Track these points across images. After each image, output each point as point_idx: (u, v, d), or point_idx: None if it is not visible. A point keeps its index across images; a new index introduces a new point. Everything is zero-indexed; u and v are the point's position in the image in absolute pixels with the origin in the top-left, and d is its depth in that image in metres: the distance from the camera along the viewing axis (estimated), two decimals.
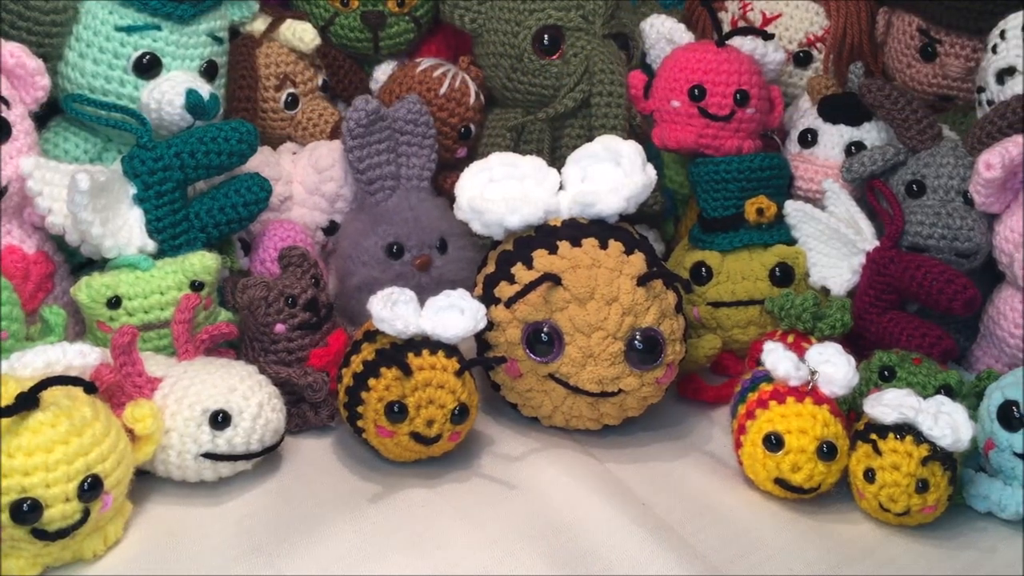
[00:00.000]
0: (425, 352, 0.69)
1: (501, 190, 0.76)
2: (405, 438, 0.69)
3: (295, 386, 0.73)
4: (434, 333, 0.69)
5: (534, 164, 0.77)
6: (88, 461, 0.60)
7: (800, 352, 0.77)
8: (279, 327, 0.74)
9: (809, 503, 0.70)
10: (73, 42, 0.79)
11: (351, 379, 0.70)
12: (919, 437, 0.66)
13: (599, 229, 0.73)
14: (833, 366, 0.70)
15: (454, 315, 0.70)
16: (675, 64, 0.85)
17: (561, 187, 0.76)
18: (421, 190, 0.87)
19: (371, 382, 0.68)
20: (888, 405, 0.67)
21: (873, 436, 0.67)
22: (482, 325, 0.70)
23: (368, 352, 0.70)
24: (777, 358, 0.71)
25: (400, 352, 0.69)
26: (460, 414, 0.69)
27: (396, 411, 0.68)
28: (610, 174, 0.75)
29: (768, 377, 0.72)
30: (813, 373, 0.71)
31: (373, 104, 0.84)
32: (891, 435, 0.67)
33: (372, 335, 0.71)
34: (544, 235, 0.74)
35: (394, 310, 0.69)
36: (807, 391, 0.70)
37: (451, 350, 0.70)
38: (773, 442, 0.69)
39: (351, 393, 0.70)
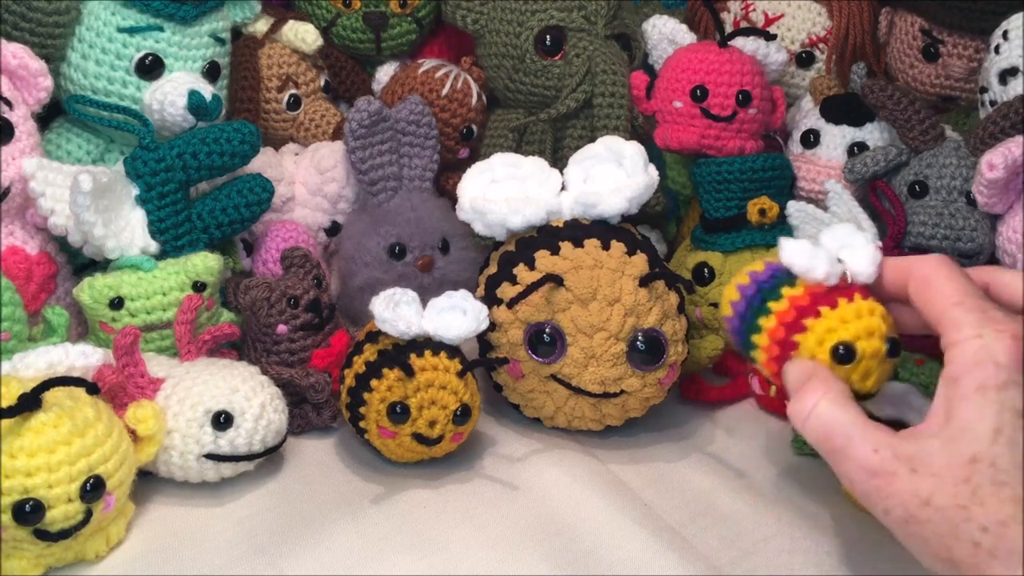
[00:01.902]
0: (427, 353, 0.69)
1: (503, 191, 0.76)
2: (407, 439, 0.69)
3: (297, 387, 0.73)
4: (436, 334, 0.69)
5: (536, 165, 0.77)
6: (90, 462, 0.60)
7: None
8: (281, 328, 0.74)
9: (810, 504, 0.70)
10: (75, 43, 0.79)
11: (353, 380, 0.70)
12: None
13: (601, 230, 0.73)
14: (853, 250, 0.61)
15: (456, 316, 0.70)
16: (677, 65, 0.85)
17: (563, 188, 0.76)
18: (423, 191, 0.87)
19: (373, 383, 0.68)
20: (878, 402, 0.63)
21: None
22: (484, 326, 0.71)
23: (370, 353, 0.70)
24: (804, 254, 0.60)
25: (402, 353, 0.69)
26: (462, 415, 0.69)
27: (398, 412, 0.68)
28: (612, 175, 0.75)
29: (783, 280, 0.61)
30: (840, 262, 0.61)
31: (375, 105, 0.84)
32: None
33: (374, 336, 0.71)
34: (546, 236, 0.74)
35: (396, 311, 0.69)
36: (849, 286, 0.60)
37: (453, 351, 0.70)
38: (843, 353, 0.58)
39: (353, 394, 0.70)
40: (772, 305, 0.61)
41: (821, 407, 0.56)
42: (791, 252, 0.60)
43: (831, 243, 0.62)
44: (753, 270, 0.63)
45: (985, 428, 0.52)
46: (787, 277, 0.61)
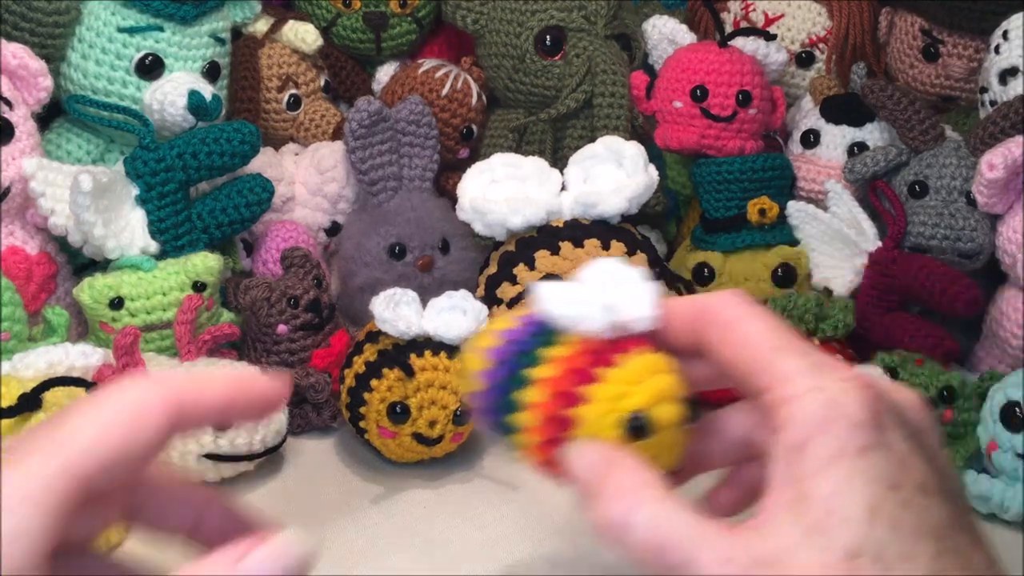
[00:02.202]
0: (427, 353, 0.69)
1: (503, 191, 0.76)
2: (407, 439, 0.69)
3: (297, 387, 0.73)
4: (436, 334, 0.69)
5: (536, 165, 0.77)
6: None
7: None
8: (281, 328, 0.74)
9: None
10: (76, 43, 0.79)
11: (353, 380, 0.70)
12: None
13: (601, 230, 0.73)
14: (626, 290, 0.46)
15: (456, 316, 0.70)
16: (677, 65, 0.85)
17: (563, 188, 0.76)
18: (423, 191, 0.87)
19: (373, 383, 0.68)
20: None
21: None
22: (484, 326, 0.70)
23: (370, 353, 0.70)
24: (568, 299, 0.45)
25: (402, 353, 0.69)
26: (462, 415, 0.69)
27: (398, 412, 0.68)
28: (612, 175, 0.75)
29: (542, 339, 0.45)
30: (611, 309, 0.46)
31: (375, 105, 0.84)
32: None
33: (374, 336, 0.71)
34: (546, 236, 0.74)
35: (396, 311, 0.69)
36: (627, 338, 0.45)
37: (453, 351, 0.70)
38: (638, 427, 0.43)
39: (353, 394, 0.70)
40: (532, 373, 0.45)
41: (643, 514, 0.40)
42: (551, 298, 0.45)
43: (596, 282, 0.46)
44: (502, 327, 0.47)
45: (855, 509, 0.39)
46: (546, 333, 0.46)
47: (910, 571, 0.39)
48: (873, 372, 0.71)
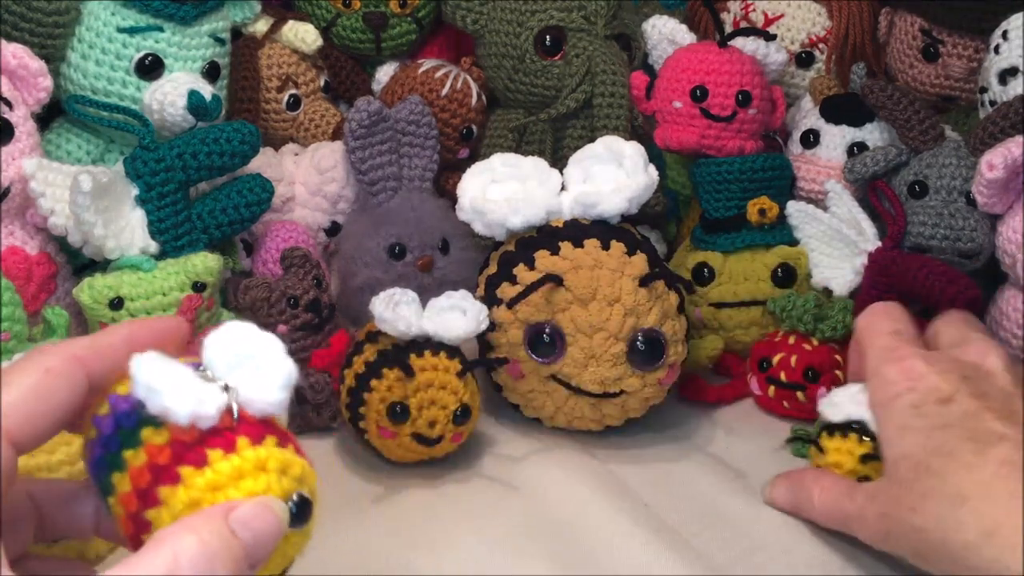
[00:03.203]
0: (427, 353, 0.69)
1: (503, 191, 0.76)
2: (407, 439, 0.69)
3: (297, 387, 0.73)
4: (436, 334, 0.69)
5: (536, 165, 0.77)
6: None
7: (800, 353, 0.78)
8: (281, 328, 0.74)
9: None
10: (75, 43, 0.79)
11: (353, 380, 0.70)
12: (862, 434, 0.66)
13: (601, 230, 0.73)
14: (256, 360, 0.42)
15: (456, 316, 0.70)
16: (677, 65, 0.85)
17: (563, 188, 0.76)
18: (423, 191, 0.87)
19: (373, 383, 0.68)
20: (837, 404, 0.67)
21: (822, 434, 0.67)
22: (484, 326, 0.71)
23: (370, 353, 0.70)
24: (160, 375, 0.40)
25: (402, 353, 0.69)
26: (462, 415, 0.69)
27: (398, 412, 0.68)
28: (612, 175, 0.75)
29: (149, 417, 0.40)
30: (226, 389, 0.42)
31: (375, 105, 0.84)
32: (837, 433, 0.67)
33: (374, 336, 0.71)
34: (546, 236, 0.74)
35: (396, 311, 0.69)
36: (235, 427, 0.41)
37: (453, 351, 0.70)
38: None
39: (353, 394, 0.70)
40: (128, 456, 0.41)
41: None
42: (144, 371, 0.39)
43: (217, 358, 0.42)
44: (117, 392, 0.42)
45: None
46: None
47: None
48: None
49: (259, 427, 0.42)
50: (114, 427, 0.42)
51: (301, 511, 0.41)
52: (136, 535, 0.41)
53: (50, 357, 0.43)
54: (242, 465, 0.40)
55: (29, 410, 0.42)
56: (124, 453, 0.41)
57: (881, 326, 0.66)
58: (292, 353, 0.73)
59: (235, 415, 0.41)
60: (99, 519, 0.48)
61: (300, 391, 0.73)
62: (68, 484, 0.48)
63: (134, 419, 0.41)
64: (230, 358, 0.42)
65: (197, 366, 0.42)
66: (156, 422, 0.41)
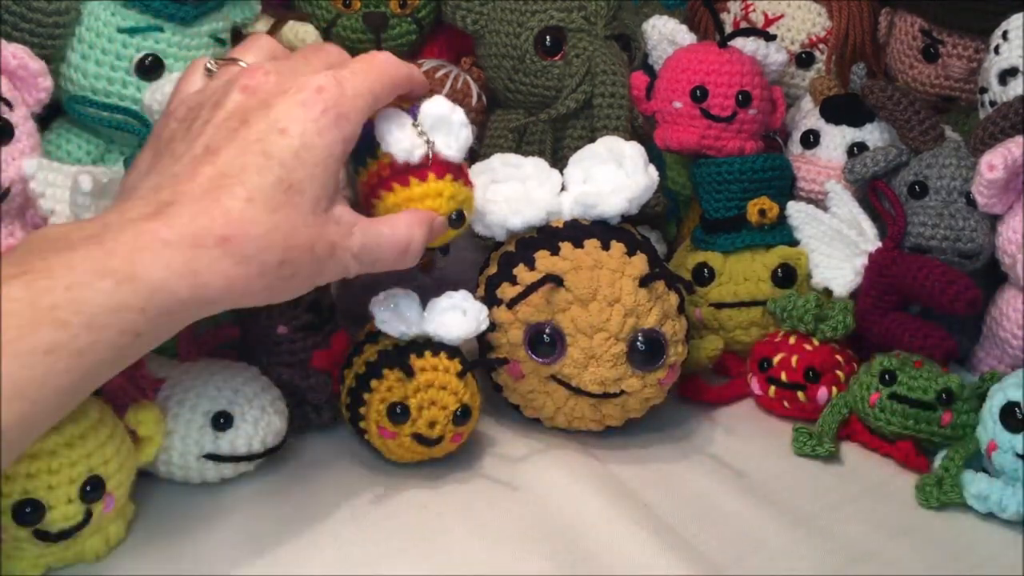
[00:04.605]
0: (427, 354, 0.69)
1: (503, 191, 0.76)
2: (407, 439, 0.69)
3: (296, 387, 0.73)
4: (436, 334, 0.69)
5: (537, 165, 0.77)
6: (91, 463, 0.60)
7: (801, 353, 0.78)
8: (281, 328, 0.74)
9: (811, 504, 0.70)
10: (75, 43, 0.79)
11: (353, 380, 0.70)
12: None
13: (601, 230, 0.73)
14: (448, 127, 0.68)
15: (456, 316, 0.70)
16: (677, 65, 0.85)
17: (563, 188, 0.76)
18: None
19: (373, 383, 0.68)
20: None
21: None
22: (484, 326, 0.71)
23: (370, 353, 0.70)
24: (393, 122, 0.66)
25: (402, 354, 0.69)
26: (462, 415, 0.69)
27: (398, 412, 0.68)
28: (612, 175, 0.75)
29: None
30: (428, 142, 0.67)
31: None
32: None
33: (374, 336, 0.71)
34: (546, 236, 0.74)
35: (396, 311, 0.69)
36: (427, 166, 0.67)
37: (453, 351, 0.70)
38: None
39: (353, 394, 0.70)
40: (369, 162, 0.67)
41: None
42: (383, 121, 0.65)
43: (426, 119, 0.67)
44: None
45: None
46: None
47: None
48: None
49: (443, 167, 0.67)
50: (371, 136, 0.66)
51: (458, 219, 0.68)
52: (366, 209, 0.67)
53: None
54: (427, 189, 0.66)
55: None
56: (367, 159, 0.67)
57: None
58: (292, 354, 0.75)
59: (430, 158, 0.66)
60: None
61: (299, 391, 0.74)
62: None
63: (375, 145, 0.66)
64: (433, 120, 0.67)
65: (415, 114, 0.67)
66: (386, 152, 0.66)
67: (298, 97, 0.61)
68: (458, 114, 0.67)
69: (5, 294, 0.50)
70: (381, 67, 0.65)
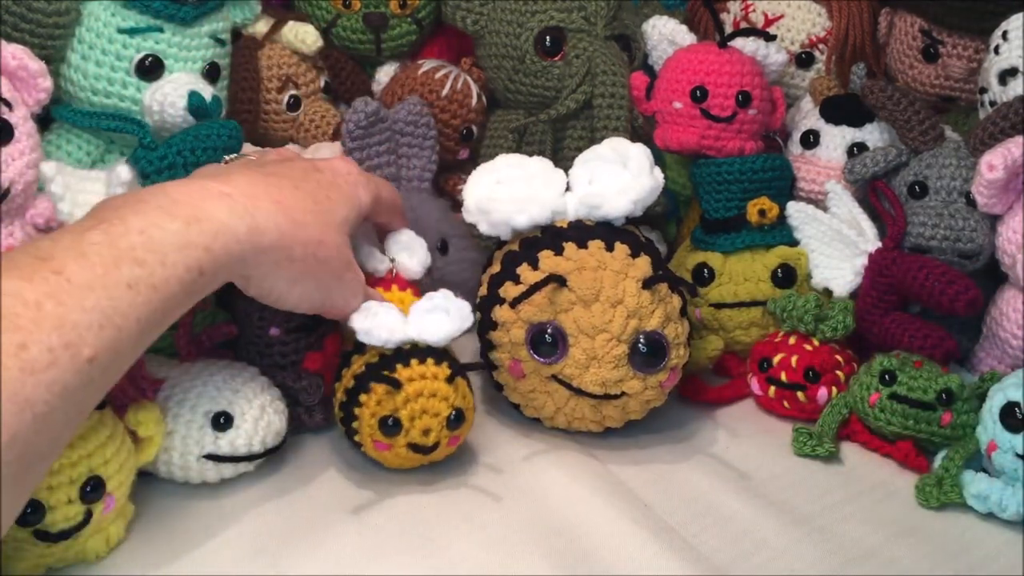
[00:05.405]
0: (414, 362, 0.68)
1: (508, 191, 0.76)
2: (403, 450, 0.68)
3: (289, 389, 0.73)
4: (421, 338, 0.68)
5: (542, 165, 0.77)
6: (91, 463, 0.60)
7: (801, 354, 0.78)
8: (274, 330, 0.74)
9: (811, 505, 0.70)
10: (75, 44, 0.79)
11: (344, 394, 0.69)
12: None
13: (605, 231, 0.73)
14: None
15: (439, 317, 0.69)
16: (677, 65, 0.85)
17: (568, 188, 0.76)
18: (422, 191, 0.87)
19: (362, 398, 0.68)
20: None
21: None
22: (468, 324, 0.70)
23: (359, 366, 0.69)
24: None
25: (388, 364, 0.68)
26: (456, 419, 0.68)
27: (390, 425, 0.67)
28: (617, 176, 0.75)
29: None
30: (392, 261, 0.77)
31: (372, 106, 0.84)
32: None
33: (362, 347, 0.70)
34: (550, 236, 0.74)
35: (375, 320, 0.68)
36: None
37: (441, 355, 0.69)
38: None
39: (345, 408, 0.69)
40: None
41: None
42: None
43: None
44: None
45: None
46: None
47: None
48: None
49: (403, 283, 0.76)
50: None
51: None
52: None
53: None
54: (391, 297, 0.73)
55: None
56: None
57: None
58: (284, 356, 0.74)
59: (394, 274, 0.76)
60: None
61: (292, 393, 0.73)
62: None
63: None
64: (396, 246, 0.77)
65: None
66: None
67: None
68: (417, 242, 0.79)
69: (87, 239, 0.56)
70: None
